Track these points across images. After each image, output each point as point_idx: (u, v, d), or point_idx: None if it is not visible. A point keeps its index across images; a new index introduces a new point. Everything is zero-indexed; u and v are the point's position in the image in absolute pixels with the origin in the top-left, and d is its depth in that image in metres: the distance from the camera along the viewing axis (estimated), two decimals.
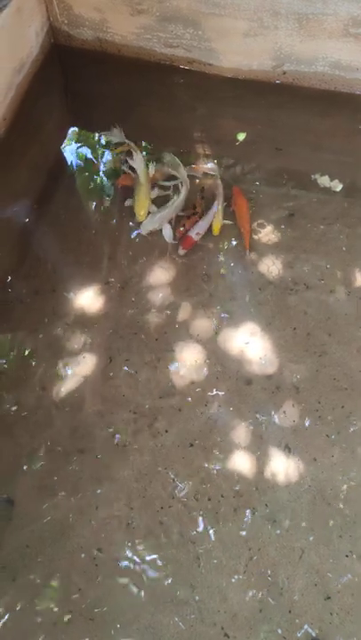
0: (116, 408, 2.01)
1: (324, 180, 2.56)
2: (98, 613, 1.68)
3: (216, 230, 2.37)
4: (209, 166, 2.57)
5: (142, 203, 2.38)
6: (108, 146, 2.69)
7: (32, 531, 1.80)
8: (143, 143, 2.68)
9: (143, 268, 2.32)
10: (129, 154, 2.53)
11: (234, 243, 2.38)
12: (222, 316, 2.20)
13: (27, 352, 2.12)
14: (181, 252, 2.33)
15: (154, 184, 2.48)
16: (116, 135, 2.61)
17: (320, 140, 2.73)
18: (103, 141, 2.71)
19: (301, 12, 2.54)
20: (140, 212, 2.38)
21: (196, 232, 2.34)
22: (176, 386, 2.05)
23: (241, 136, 2.71)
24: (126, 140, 2.57)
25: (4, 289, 2.25)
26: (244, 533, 1.80)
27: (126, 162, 2.52)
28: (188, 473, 1.89)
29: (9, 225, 2.44)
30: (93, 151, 2.70)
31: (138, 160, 2.46)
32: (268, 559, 1.76)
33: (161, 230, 2.38)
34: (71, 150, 2.72)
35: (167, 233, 2.37)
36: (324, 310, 2.22)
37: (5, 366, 2.10)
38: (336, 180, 2.56)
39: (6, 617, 1.68)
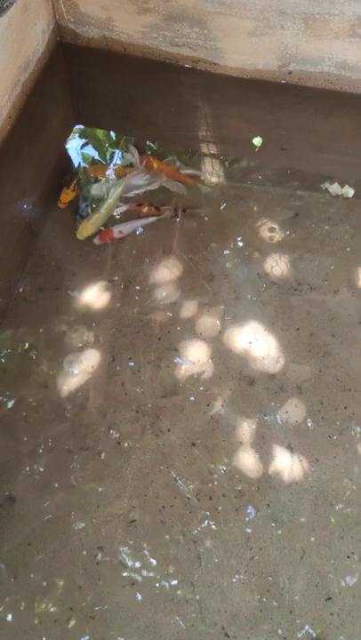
0: (118, 406, 2.01)
1: (335, 189, 2.54)
2: (98, 612, 1.69)
3: (81, 235, 2.37)
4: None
5: (90, 228, 2.38)
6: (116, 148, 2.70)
7: (33, 528, 1.80)
8: (147, 142, 2.69)
9: (147, 266, 2.32)
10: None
11: (238, 243, 2.38)
12: (226, 315, 2.20)
13: (30, 349, 2.12)
14: (96, 242, 2.35)
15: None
16: (130, 156, 2.61)
17: (325, 140, 2.73)
18: (110, 138, 2.72)
19: (308, 11, 2.54)
20: (84, 233, 2.37)
21: (119, 230, 2.36)
22: (179, 385, 2.05)
23: (258, 141, 2.70)
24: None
25: (9, 286, 2.26)
26: (245, 533, 1.80)
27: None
28: (189, 472, 1.89)
29: (14, 222, 2.44)
30: (98, 150, 2.70)
31: (114, 190, 2.47)
32: (270, 559, 1.76)
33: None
34: (76, 148, 2.71)
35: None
36: (328, 311, 2.21)
37: (8, 363, 2.10)
38: (347, 186, 2.55)
39: (7, 615, 1.68)
